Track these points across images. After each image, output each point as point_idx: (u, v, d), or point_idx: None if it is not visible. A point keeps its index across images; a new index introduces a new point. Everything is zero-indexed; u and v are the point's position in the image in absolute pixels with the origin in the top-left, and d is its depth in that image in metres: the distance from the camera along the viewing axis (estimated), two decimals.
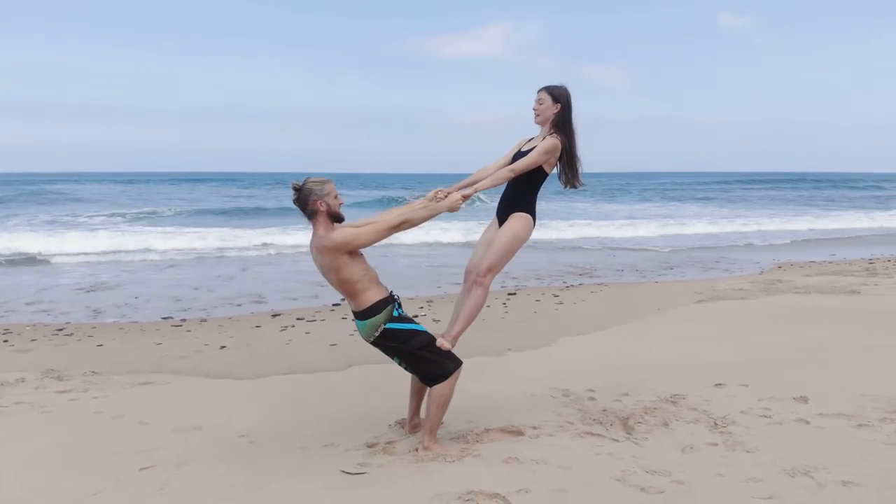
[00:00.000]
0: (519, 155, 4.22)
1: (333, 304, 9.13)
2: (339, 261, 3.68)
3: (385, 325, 3.77)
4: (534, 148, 4.12)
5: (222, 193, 45.84)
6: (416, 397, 4.21)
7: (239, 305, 9.23)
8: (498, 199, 4.34)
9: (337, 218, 3.77)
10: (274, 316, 8.40)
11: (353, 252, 3.74)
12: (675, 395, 4.83)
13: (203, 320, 8.20)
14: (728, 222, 23.87)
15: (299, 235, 18.19)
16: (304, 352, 6.54)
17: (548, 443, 3.98)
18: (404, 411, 4.58)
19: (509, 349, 6.38)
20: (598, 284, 10.79)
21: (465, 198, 3.99)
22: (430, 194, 4.09)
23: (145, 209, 29.59)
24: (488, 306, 8.79)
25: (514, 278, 11.45)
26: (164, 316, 8.44)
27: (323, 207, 3.71)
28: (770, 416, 4.38)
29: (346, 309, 8.72)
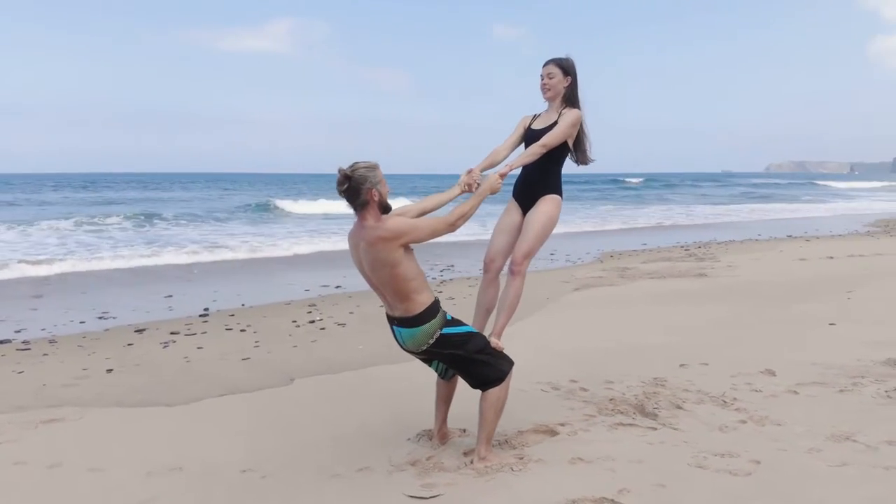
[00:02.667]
0: (530, 133, 3.97)
1: (200, 315, 8.10)
2: (395, 254, 3.18)
3: (441, 330, 3.32)
4: (553, 124, 3.88)
5: None
6: (445, 405, 3.78)
7: (83, 322, 7.83)
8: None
9: (386, 208, 3.26)
10: (138, 331, 7.23)
11: (407, 246, 3.26)
12: (656, 379, 4.86)
13: (52, 341, 6.83)
14: None
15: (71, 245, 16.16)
16: (217, 369, 5.67)
17: (592, 438, 3.78)
18: (404, 421, 4.16)
19: None
20: (467, 278, 10.75)
21: (503, 176, 3.73)
22: (464, 177, 3.73)
23: None
24: (381, 306, 8.33)
25: None
26: None
27: (376, 197, 3.21)
28: (761, 391, 4.55)
29: (225, 319, 7.79)
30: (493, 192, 3.63)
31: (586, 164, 4.09)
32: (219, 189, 54.99)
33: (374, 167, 3.22)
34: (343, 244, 15.97)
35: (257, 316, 7.98)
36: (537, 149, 3.79)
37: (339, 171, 3.19)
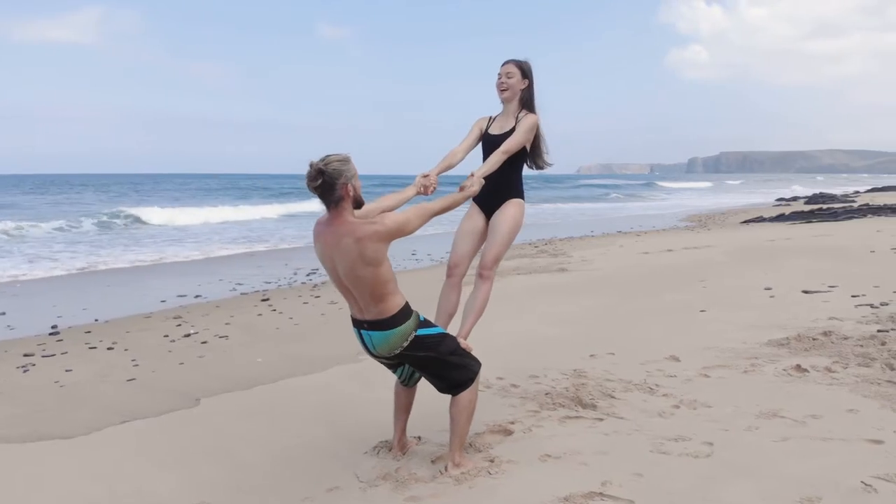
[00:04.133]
0: (489, 138, 3.97)
1: (51, 333, 7.22)
2: (383, 252, 3.02)
3: (416, 332, 3.18)
4: (512, 130, 3.91)
5: None
6: (405, 413, 3.64)
7: None
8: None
9: (360, 203, 3.08)
10: None
11: None
12: (576, 370, 5.00)
13: None
14: None
15: None
16: (102, 394, 5.06)
17: (549, 434, 3.80)
18: (348, 434, 3.99)
19: (359, 352, 5.82)
20: None
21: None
22: (421, 179, 3.66)
23: None
24: (261, 314, 7.90)
25: (240, 283, 10.49)
26: None
27: (351, 192, 3.02)
28: (675, 376, 4.82)
29: (82, 336, 7.00)
30: (474, 195, 3.68)
31: (543, 168, 4.14)
32: (18, 192, 49.51)
33: (347, 160, 3.02)
34: (184, 252, 15.09)
35: (119, 331, 7.25)
36: (499, 156, 3.82)
37: (311, 165, 2.95)
